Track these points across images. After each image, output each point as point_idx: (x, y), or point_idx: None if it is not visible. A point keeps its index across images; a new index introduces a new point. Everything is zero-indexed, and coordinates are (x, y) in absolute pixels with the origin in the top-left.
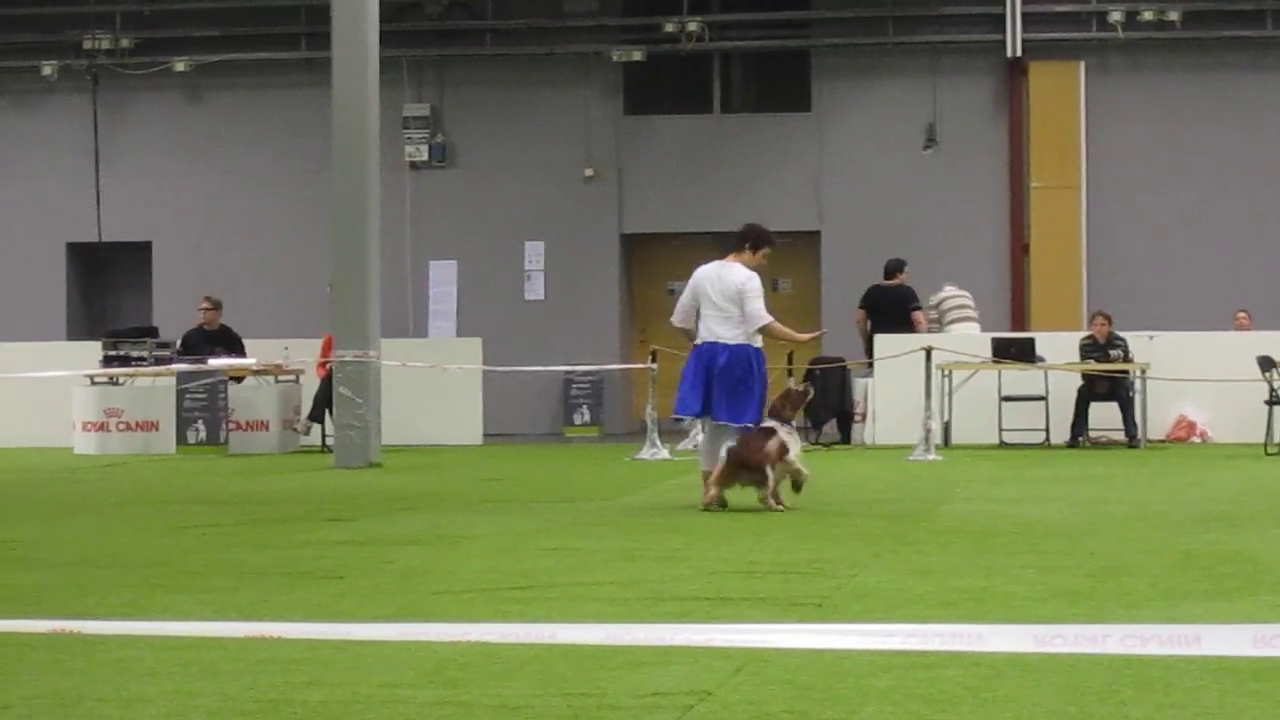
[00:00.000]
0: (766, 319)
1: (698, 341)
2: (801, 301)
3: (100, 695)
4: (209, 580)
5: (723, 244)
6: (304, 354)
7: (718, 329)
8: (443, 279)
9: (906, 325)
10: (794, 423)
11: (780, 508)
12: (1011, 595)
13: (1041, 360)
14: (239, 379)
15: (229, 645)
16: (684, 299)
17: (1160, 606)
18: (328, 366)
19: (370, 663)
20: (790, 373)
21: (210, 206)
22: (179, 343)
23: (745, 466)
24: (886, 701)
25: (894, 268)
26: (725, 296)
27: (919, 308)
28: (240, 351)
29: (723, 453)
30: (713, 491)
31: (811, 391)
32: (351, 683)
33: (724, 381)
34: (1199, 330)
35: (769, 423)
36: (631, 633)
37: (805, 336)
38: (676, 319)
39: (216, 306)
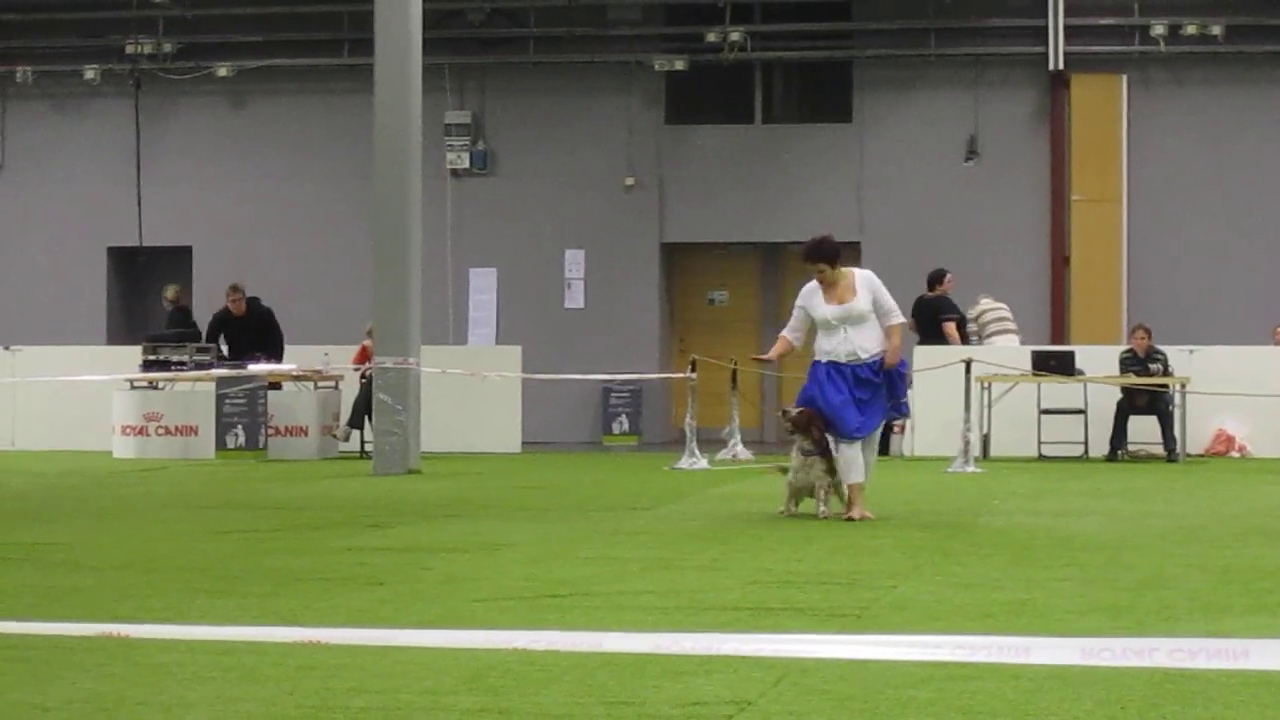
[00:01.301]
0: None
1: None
2: None
3: (141, 699)
4: (249, 585)
5: (763, 254)
6: (344, 360)
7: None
8: (483, 286)
9: (941, 335)
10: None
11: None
12: (1052, 608)
13: (1081, 373)
14: (278, 385)
15: (270, 651)
16: None
17: (1201, 621)
18: (365, 371)
19: (411, 669)
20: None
21: (251, 211)
22: (209, 325)
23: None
24: (926, 714)
25: (934, 279)
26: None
27: (952, 318)
28: (274, 335)
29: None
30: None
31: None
32: (392, 689)
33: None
34: (1239, 344)
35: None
36: (673, 641)
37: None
38: None
39: (240, 294)
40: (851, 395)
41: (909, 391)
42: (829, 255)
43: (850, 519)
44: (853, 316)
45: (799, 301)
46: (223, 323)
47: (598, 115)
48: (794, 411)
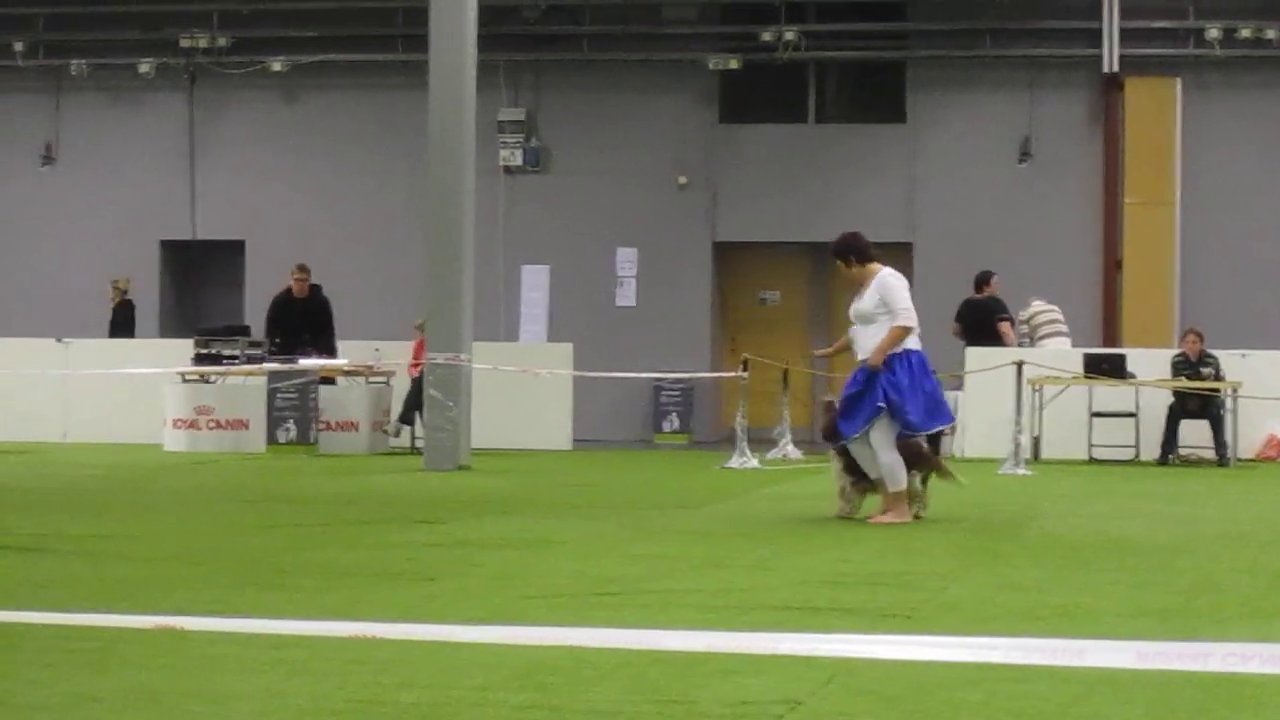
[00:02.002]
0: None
1: (914, 349)
2: None
3: (190, 690)
4: (299, 579)
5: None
6: (395, 355)
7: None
8: (535, 283)
9: (994, 337)
10: None
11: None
12: (1102, 611)
13: (1133, 376)
14: (330, 379)
15: (320, 645)
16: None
17: (1251, 625)
18: (419, 368)
19: (461, 665)
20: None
21: (304, 206)
22: (269, 308)
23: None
24: (977, 715)
25: (982, 280)
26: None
27: (1006, 318)
28: (328, 324)
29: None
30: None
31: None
32: (443, 685)
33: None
34: None
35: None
36: (723, 640)
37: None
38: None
39: (307, 274)
40: (846, 395)
41: (942, 404)
42: (841, 251)
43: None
44: (860, 316)
45: None
46: (282, 305)
47: (651, 113)
48: (828, 398)
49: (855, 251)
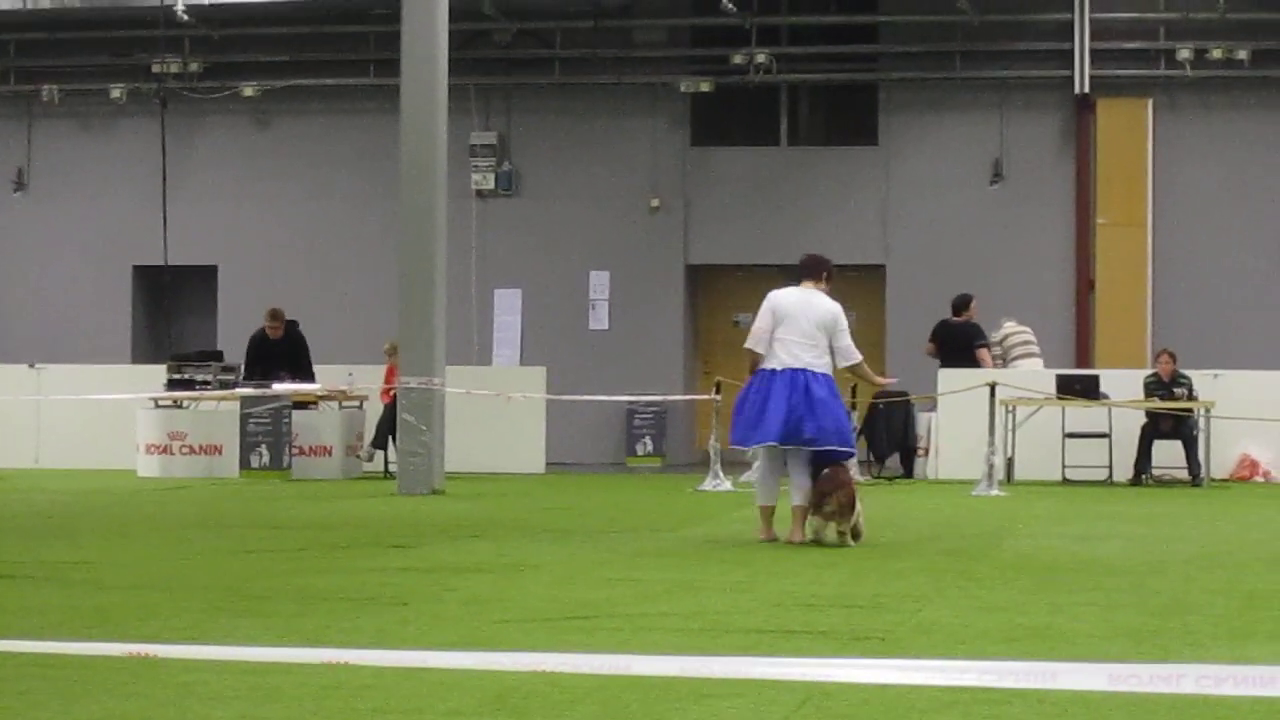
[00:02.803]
0: (859, 357)
1: (776, 367)
2: (866, 335)
3: (165, 719)
4: (273, 605)
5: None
6: (368, 380)
7: (805, 356)
8: (507, 307)
9: (972, 362)
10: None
11: (855, 543)
12: (1076, 633)
13: (1106, 397)
14: (304, 404)
15: (294, 670)
16: (764, 323)
17: (1225, 647)
18: (392, 393)
19: (435, 690)
20: (854, 406)
21: (276, 231)
22: (247, 347)
23: (840, 495)
24: None
25: (961, 304)
26: (818, 325)
27: (985, 345)
28: (305, 359)
29: (805, 485)
30: (813, 524)
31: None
32: (416, 710)
33: (824, 409)
34: (1264, 369)
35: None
36: (696, 664)
37: (883, 381)
38: (757, 344)
39: (280, 321)
40: None
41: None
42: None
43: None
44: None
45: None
46: (259, 344)
47: (623, 137)
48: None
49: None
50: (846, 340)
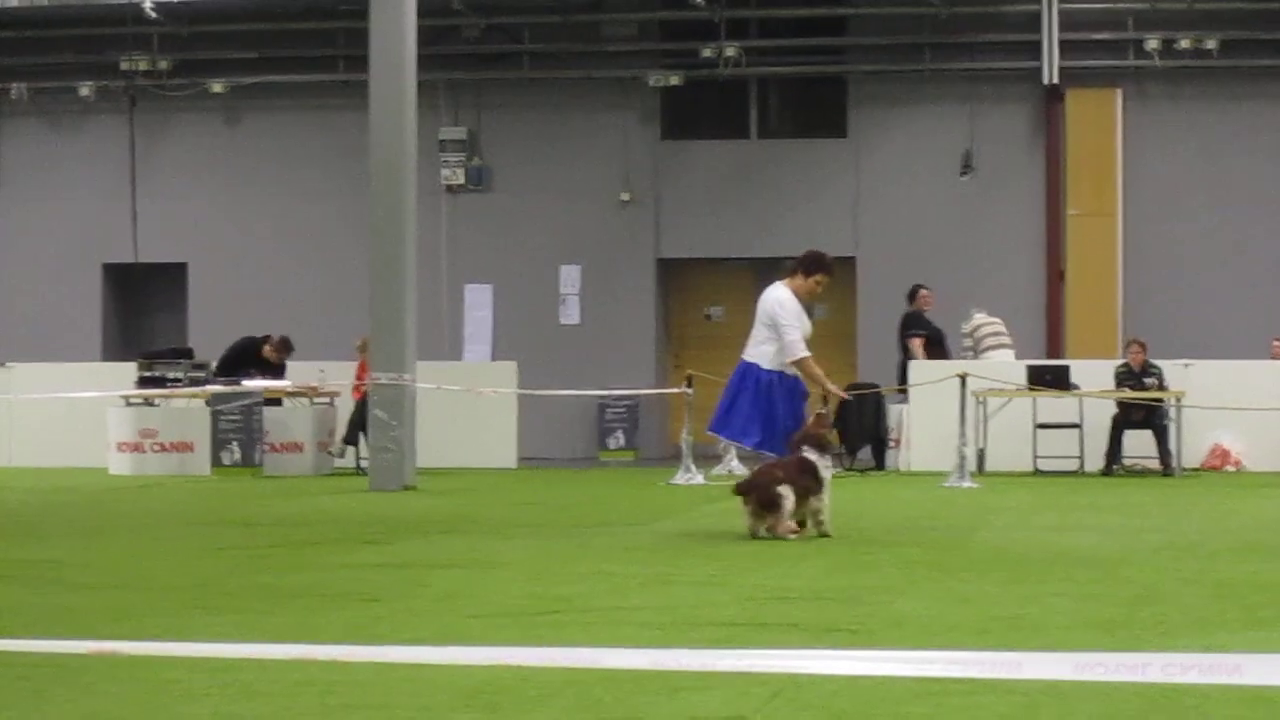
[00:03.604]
0: (802, 353)
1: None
2: (837, 326)
3: (137, 717)
4: (245, 602)
5: (759, 269)
6: (339, 376)
7: (750, 349)
8: (478, 302)
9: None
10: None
11: (794, 535)
12: (1047, 623)
13: (1077, 388)
14: (274, 401)
15: (267, 667)
16: None
17: (1196, 636)
18: (363, 389)
19: (407, 686)
20: (825, 399)
21: (246, 228)
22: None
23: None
24: None
25: (909, 294)
26: (760, 318)
27: (916, 334)
28: (282, 374)
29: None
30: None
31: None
32: (388, 705)
33: (733, 400)
34: (1235, 359)
35: (810, 454)
36: (669, 657)
37: (833, 389)
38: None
39: (285, 351)
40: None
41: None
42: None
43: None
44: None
45: (799, 318)
46: (250, 355)
47: (593, 131)
48: (824, 408)
49: None
50: (787, 336)
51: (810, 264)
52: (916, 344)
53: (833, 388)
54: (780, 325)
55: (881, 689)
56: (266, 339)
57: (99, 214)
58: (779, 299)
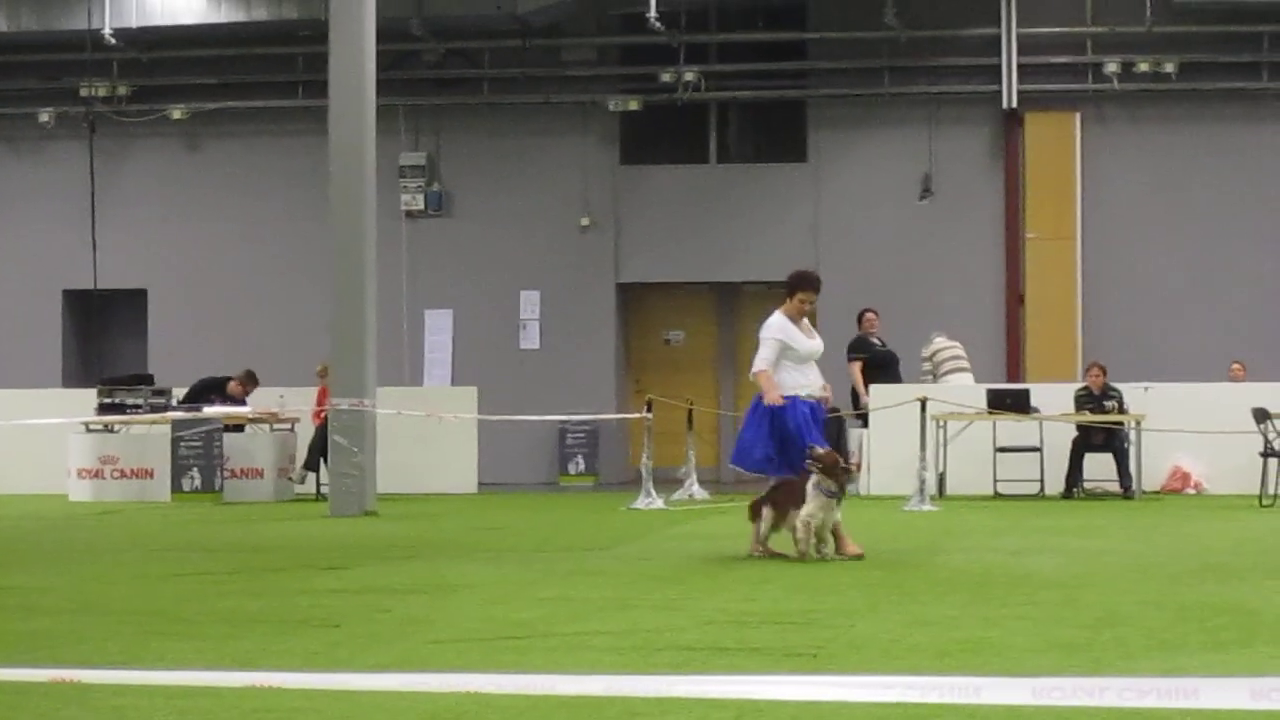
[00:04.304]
0: (758, 367)
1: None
2: None
3: None
4: (205, 628)
5: (719, 294)
6: (299, 402)
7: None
8: (438, 327)
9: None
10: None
11: (757, 551)
12: (1008, 646)
13: (1036, 411)
14: (235, 427)
15: (225, 694)
16: None
17: (1157, 658)
18: (323, 415)
19: (367, 712)
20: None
21: (206, 254)
22: (200, 383)
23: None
24: None
25: (857, 317)
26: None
27: (856, 358)
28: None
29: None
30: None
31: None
32: None
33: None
34: (1194, 381)
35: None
36: (628, 683)
37: (774, 396)
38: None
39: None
40: (820, 432)
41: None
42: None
43: (859, 555)
44: (813, 354)
45: (775, 335)
46: (216, 390)
47: (553, 156)
48: (822, 451)
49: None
50: (760, 351)
51: (791, 284)
52: (854, 367)
53: (770, 397)
54: (763, 342)
55: (841, 714)
56: (229, 379)
57: (59, 240)
58: (767, 322)
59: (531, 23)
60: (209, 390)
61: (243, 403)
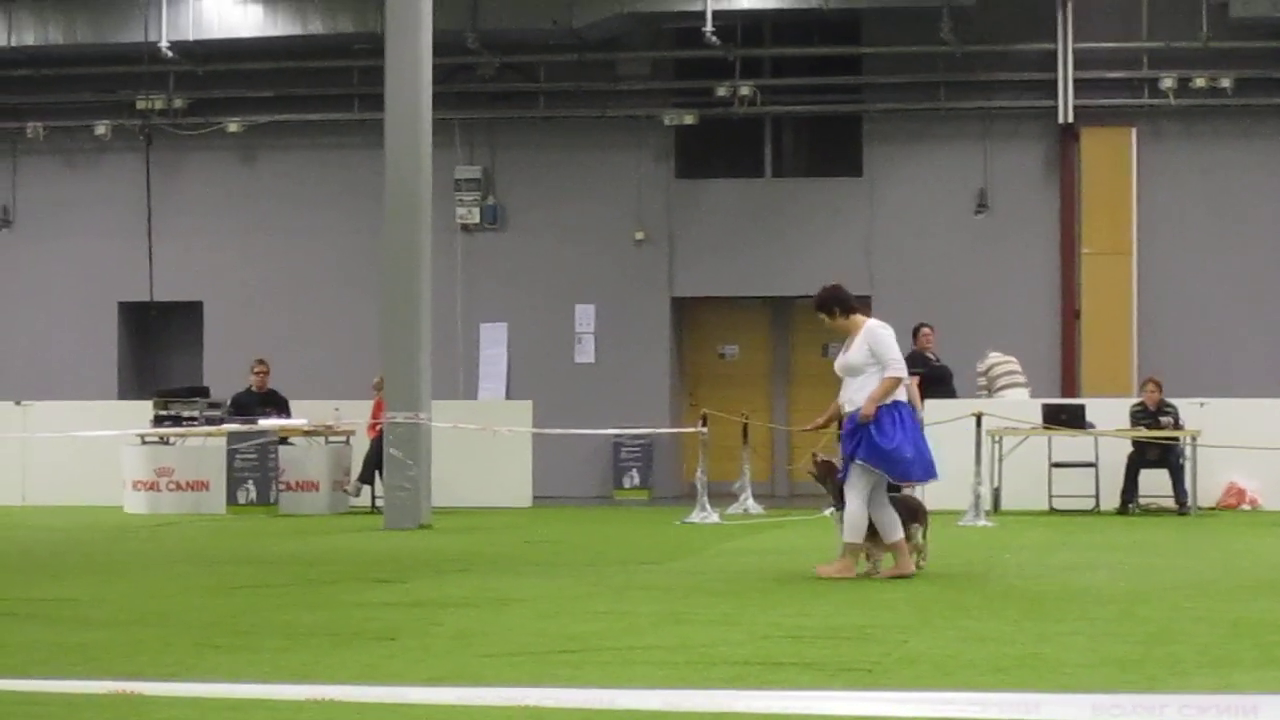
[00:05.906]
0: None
1: (901, 400)
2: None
3: None
4: (260, 641)
5: (773, 308)
6: (355, 415)
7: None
8: (493, 341)
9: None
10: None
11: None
12: (1063, 662)
13: (1092, 426)
14: (289, 440)
15: (280, 707)
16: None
17: (1211, 675)
18: (378, 428)
19: None
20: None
21: (261, 267)
22: (229, 403)
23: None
24: None
25: (913, 333)
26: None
27: (910, 373)
28: (287, 413)
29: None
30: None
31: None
32: None
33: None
34: (1250, 397)
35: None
36: (682, 698)
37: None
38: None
39: (266, 368)
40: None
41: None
42: (825, 305)
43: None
44: (849, 369)
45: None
46: (243, 402)
47: (608, 170)
48: (820, 458)
49: (839, 303)
50: (895, 355)
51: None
52: (911, 383)
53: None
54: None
55: None
56: (248, 389)
57: (114, 252)
58: (882, 332)
59: (587, 37)
60: (245, 406)
61: (270, 393)
